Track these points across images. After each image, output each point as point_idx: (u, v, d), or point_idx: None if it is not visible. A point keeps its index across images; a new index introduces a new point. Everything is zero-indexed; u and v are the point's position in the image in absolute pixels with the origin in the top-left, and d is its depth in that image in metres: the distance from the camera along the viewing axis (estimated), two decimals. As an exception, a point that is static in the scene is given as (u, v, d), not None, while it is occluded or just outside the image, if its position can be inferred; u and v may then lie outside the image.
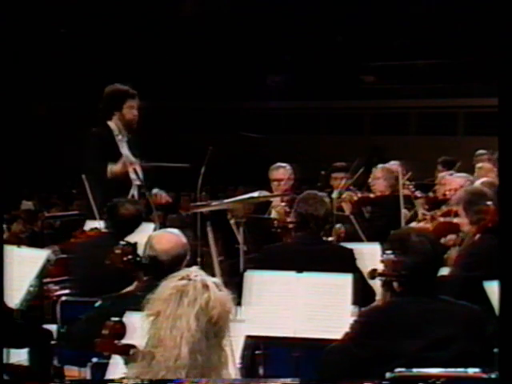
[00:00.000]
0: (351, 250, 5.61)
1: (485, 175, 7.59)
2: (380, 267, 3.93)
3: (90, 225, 6.67)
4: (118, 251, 4.49)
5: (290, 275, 4.90)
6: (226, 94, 20.58)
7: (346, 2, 19.90)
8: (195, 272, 2.93)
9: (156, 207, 7.06)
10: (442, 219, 6.56)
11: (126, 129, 7.27)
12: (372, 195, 7.87)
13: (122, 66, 18.08)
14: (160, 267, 4.35)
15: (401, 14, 19.69)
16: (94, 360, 4.25)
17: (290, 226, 6.03)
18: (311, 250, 5.53)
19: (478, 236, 5.44)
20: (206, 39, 20.45)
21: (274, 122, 20.86)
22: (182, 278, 2.88)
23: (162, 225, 6.98)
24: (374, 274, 3.96)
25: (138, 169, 7.19)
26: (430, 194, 8.12)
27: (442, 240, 6.13)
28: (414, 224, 6.95)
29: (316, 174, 9.62)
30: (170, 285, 2.88)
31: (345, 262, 5.41)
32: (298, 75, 20.72)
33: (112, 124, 7.26)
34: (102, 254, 4.69)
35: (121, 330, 3.13)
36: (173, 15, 21.27)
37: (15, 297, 5.35)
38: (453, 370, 3.64)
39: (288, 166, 8.08)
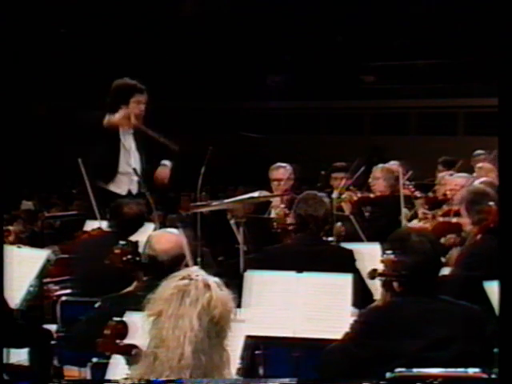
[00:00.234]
0: (351, 251, 5.60)
1: (485, 175, 7.57)
2: (380, 267, 3.93)
3: (89, 225, 6.66)
4: (117, 251, 4.50)
5: (290, 275, 4.90)
6: (226, 94, 20.58)
7: (345, 1, 19.90)
8: (196, 272, 2.93)
9: (156, 207, 7.05)
10: (441, 219, 6.56)
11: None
12: (372, 195, 7.86)
13: (122, 66, 18.06)
14: (160, 267, 4.36)
15: (401, 14, 19.70)
16: (94, 360, 4.25)
17: (290, 227, 6.02)
18: (311, 250, 5.53)
19: (479, 236, 5.42)
20: (206, 39, 20.45)
21: (274, 122, 20.86)
22: (183, 278, 2.87)
23: (162, 225, 6.97)
24: (374, 274, 3.96)
25: (138, 167, 7.17)
26: (430, 194, 8.12)
27: (442, 240, 6.12)
28: (414, 223, 6.95)
29: (316, 174, 9.62)
30: (171, 284, 2.87)
31: (344, 263, 5.39)
32: (298, 75, 20.72)
33: None
34: (104, 253, 4.69)
35: (123, 330, 3.13)
36: (173, 15, 21.28)
37: (15, 297, 5.34)
38: (453, 370, 3.64)
39: (288, 166, 8.07)
